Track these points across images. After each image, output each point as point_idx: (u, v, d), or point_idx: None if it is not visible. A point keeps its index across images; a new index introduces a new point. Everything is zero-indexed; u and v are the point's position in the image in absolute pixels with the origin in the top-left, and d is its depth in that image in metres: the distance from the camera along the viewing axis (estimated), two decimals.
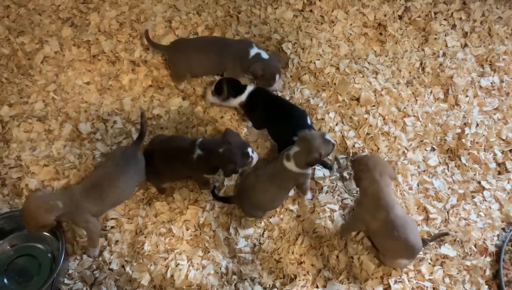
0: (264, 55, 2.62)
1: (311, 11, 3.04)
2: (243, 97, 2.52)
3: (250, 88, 2.52)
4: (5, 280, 2.21)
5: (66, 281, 2.21)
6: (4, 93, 2.70)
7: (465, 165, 2.53)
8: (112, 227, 2.36)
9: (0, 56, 2.80)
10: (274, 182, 2.25)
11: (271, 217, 2.39)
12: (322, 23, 2.99)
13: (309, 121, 2.46)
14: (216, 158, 2.23)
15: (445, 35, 2.96)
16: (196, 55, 2.66)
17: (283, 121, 2.45)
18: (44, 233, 2.28)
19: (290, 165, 2.22)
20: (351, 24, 2.99)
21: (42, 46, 2.83)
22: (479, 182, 2.50)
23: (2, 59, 2.79)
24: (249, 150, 2.28)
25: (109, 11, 2.96)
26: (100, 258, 2.28)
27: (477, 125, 2.62)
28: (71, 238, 2.30)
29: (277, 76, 2.64)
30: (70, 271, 2.23)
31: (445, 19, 3.03)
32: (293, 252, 2.30)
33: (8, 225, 2.25)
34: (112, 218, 2.38)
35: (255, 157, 2.31)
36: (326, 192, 2.45)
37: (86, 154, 2.52)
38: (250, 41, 2.72)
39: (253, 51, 2.62)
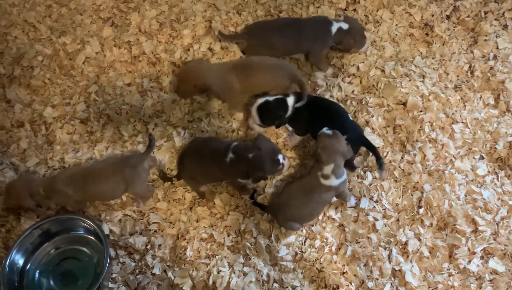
0: (345, 26, 2.62)
1: (355, 10, 2.95)
2: (289, 112, 2.44)
3: (291, 99, 2.42)
4: (51, 282, 2.26)
5: (110, 285, 2.24)
6: (46, 94, 2.74)
7: None
8: (155, 231, 2.37)
9: (43, 57, 2.83)
10: (313, 198, 2.22)
11: (313, 226, 2.35)
12: (366, 23, 2.89)
13: (350, 118, 2.43)
14: (246, 163, 2.21)
15: (496, 36, 2.83)
16: (274, 37, 2.65)
17: (328, 122, 2.34)
18: (89, 236, 2.31)
19: (330, 182, 2.18)
20: (396, 25, 2.89)
21: (84, 46, 2.85)
22: None
23: (44, 60, 2.83)
24: (280, 157, 2.24)
25: (149, 10, 2.94)
26: (143, 262, 2.30)
27: None
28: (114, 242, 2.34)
29: (366, 35, 2.70)
30: (113, 275, 2.26)
31: (496, 19, 2.89)
32: (335, 262, 2.27)
33: (54, 228, 2.29)
34: (154, 222, 2.39)
35: (286, 164, 2.28)
36: (370, 199, 2.40)
37: None
38: (326, 18, 2.69)
39: (334, 27, 2.61)
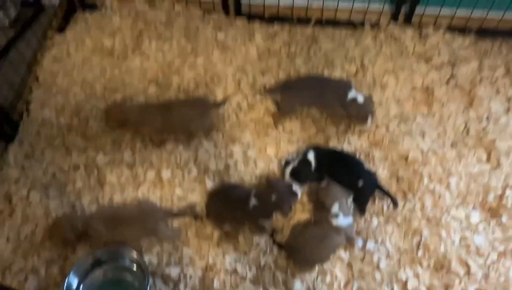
0: (360, 99, 2.96)
1: (364, 74, 3.39)
2: (314, 165, 2.84)
3: (311, 155, 2.83)
4: None
5: None
6: (99, 142, 3.18)
7: (506, 225, 2.74)
8: (187, 263, 2.74)
9: (97, 110, 3.30)
10: (325, 243, 2.57)
11: (324, 264, 2.69)
12: (374, 86, 3.32)
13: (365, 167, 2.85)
14: (271, 205, 2.62)
15: (489, 100, 3.21)
16: (305, 91, 3.07)
17: (347, 170, 2.80)
18: (132, 266, 2.68)
19: (339, 221, 2.56)
20: (400, 88, 3.30)
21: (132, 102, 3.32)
22: None
23: (98, 113, 3.29)
24: (294, 187, 2.66)
25: (187, 72, 3.42)
26: None
27: None
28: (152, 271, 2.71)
29: (370, 117, 3.00)
30: None
31: (489, 85, 3.28)
32: None
33: (104, 257, 2.66)
34: (187, 255, 2.76)
35: (299, 191, 2.68)
36: (375, 241, 2.74)
37: (166, 197, 2.94)
38: (349, 83, 3.07)
39: (351, 94, 2.97)
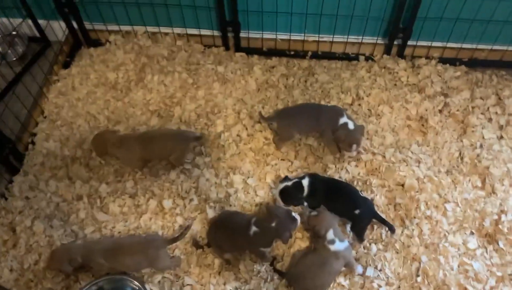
0: (351, 126, 3.04)
1: (359, 105, 3.49)
2: (305, 192, 2.90)
3: (305, 181, 2.89)
4: None
5: None
6: (101, 173, 3.25)
7: (503, 249, 2.78)
8: None
9: None
10: (325, 270, 2.61)
11: None
12: (369, 116, 3.42)
13: (362, 194, 2.90)
14: (272, 232, 2.65)
15: (482, 128, 3.30)
16: (300, 118, 3.18)
17: (343, 198, 2.87)
18: None
19: (336, 246, 2.61)
20: (395, 117, 3.40)
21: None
22: None
23: None
24: (293, 213, 2.70)
25: (189, 104, 3.53)
26: None
27: None
28: None
29: (354, 146, 3.04)
30: None
31: (482, 113, 3.38)
32: None
33: (107, 286, 2.68)
34: (188, 284, 2.79)
35: (298, 218, 2.71)
36: (375, 268, 2.77)
37: (168, 226, 2.99)
38: (341, 110, 3.16)
39: (342, 120, 3.05)
